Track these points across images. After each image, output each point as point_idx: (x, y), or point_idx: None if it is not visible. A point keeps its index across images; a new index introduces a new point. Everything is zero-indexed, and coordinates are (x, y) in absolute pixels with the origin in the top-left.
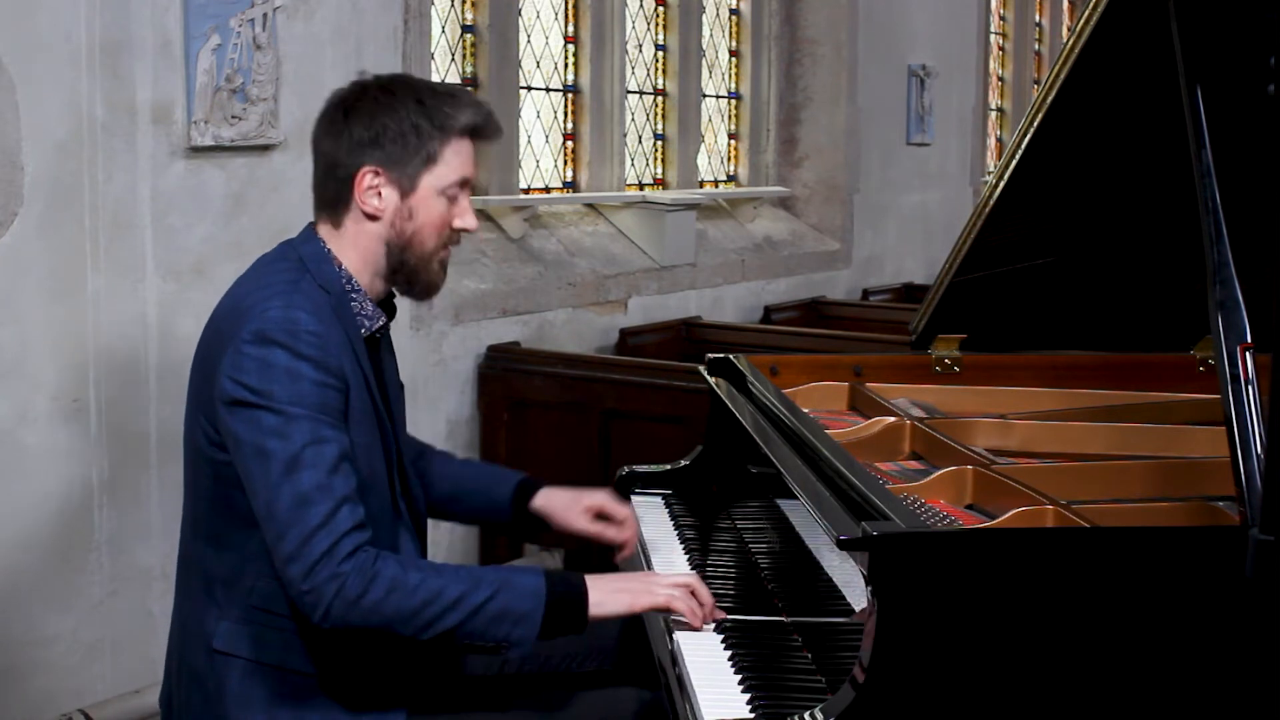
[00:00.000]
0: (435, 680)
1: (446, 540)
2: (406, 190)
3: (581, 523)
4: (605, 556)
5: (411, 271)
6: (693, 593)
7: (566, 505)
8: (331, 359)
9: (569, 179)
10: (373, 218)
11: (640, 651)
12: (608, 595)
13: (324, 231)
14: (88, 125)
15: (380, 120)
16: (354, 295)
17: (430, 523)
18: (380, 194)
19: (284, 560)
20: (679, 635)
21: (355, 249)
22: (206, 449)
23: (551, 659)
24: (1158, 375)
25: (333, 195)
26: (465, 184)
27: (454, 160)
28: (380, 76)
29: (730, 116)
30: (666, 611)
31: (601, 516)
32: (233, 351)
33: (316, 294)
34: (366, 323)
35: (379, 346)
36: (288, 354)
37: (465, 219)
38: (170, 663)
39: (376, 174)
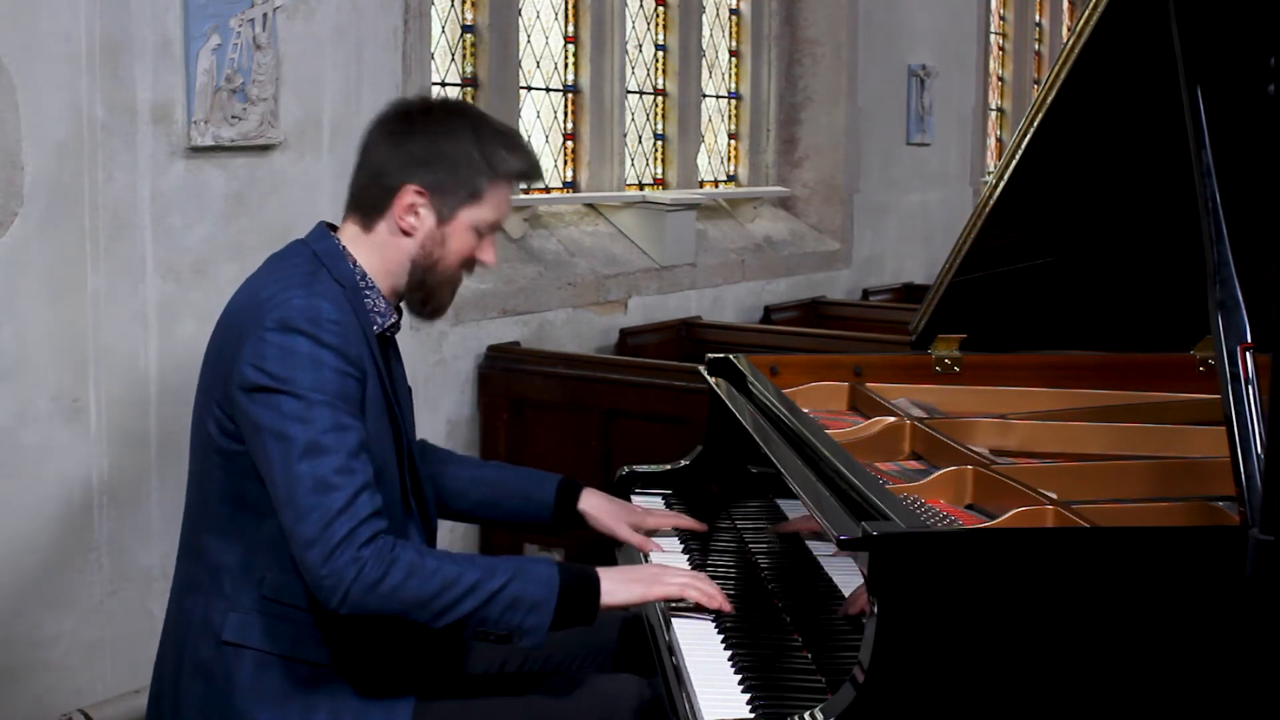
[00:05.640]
0: (441, 673)
1: (447, 539)
2: (444, 218)
3: (625, 532)
4: (606, 555)
5: (429, 292)
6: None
7: (613, 515)
8: (352, 348)
9: (569, 179)
10: (406, 234)
11: (640, 652)
12: (619, 585)
13: (349, 232)
14: (88, 125)
15: (439, 144)
16: (368, 292)
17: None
18: (418, 214)
19: (303, 544)
20: (678, 628)
21: (380, 256)
22: (219, 439)
23: (552, 659)
24: (1158, 375)
25: (372, 201)
26: (498, 225)
27: (496, 202)
28: (447, 100)
29: (730, 116)
30: (678, 600)
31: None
32: (254, 340)
33: (333, 287)
34: (379, 319)
35: (388, 347)
36: (311, 342)
37: (487, 254)
38: (165, 658)
39: (420, 194)
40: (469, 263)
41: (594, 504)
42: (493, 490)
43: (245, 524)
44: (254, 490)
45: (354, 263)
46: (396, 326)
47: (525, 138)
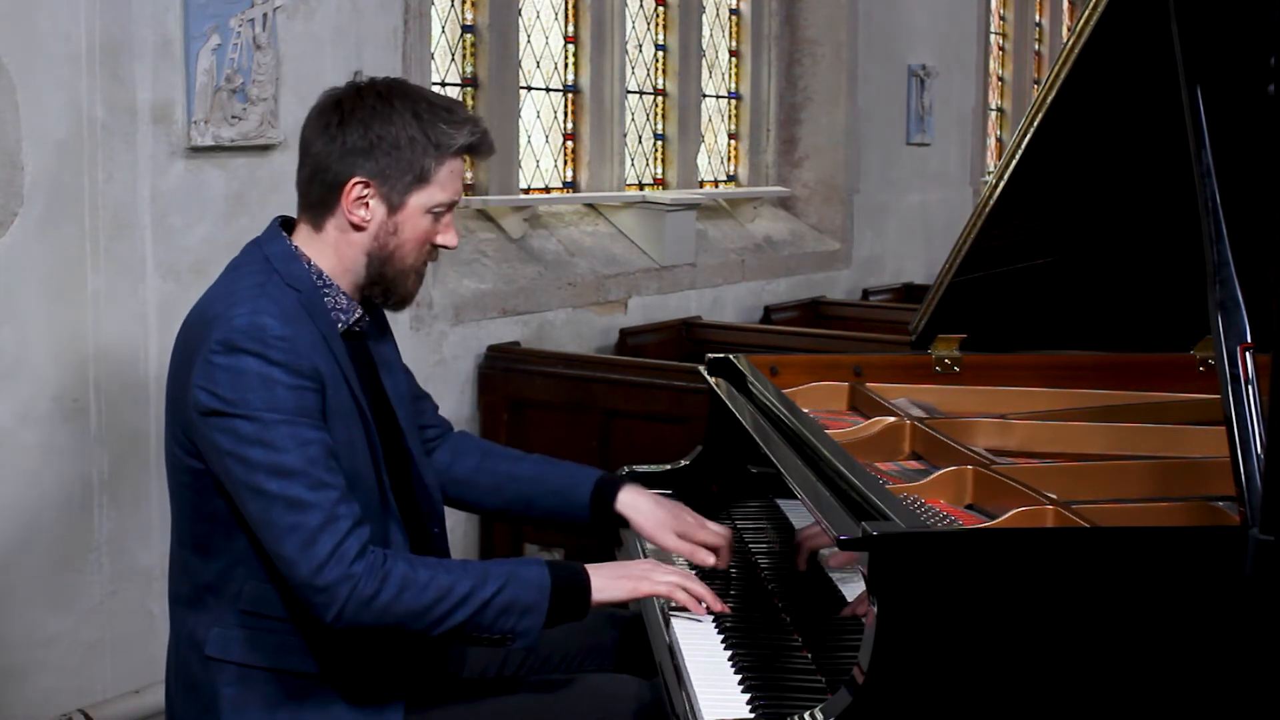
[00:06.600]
0: (433, 678)
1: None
2: (394, 206)
3: (671, 541)
4: (606, 554)
5: (389, 283)
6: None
7: (659, 524)
8: (303, 361)
9: (569, 179)
10: (357, 228)
11: (640, 652)
12: (609, 582)
13: (302, 232)
14: (88, 125)
15: (375, 130)
16: (326, 290)
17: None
18: (367, 205)
19: (289, 564)
20: (677, 628)
21: (335, 255)
22: (183, 458)
23: (550, 659)
24: (1158, 375)
25: (318, 199)
26: (453, 204)
27: (446, 181)
28: (377, 81)
29: (730, 116)
30: (666, 600)
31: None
32: (202, 362)
33: (284, 294)
34: (342, 316)
35: (363, 339)
36: (259, 361)
37: (448, 236)
38: (169, 672)
39: (365, 186)
40: (430, 249)
41: (637, 505)
42: (528, 488)
43: (219, 539)
44: (222, 506)
45: (309, 262)
46: (364, 319)
47: (467, 106)
